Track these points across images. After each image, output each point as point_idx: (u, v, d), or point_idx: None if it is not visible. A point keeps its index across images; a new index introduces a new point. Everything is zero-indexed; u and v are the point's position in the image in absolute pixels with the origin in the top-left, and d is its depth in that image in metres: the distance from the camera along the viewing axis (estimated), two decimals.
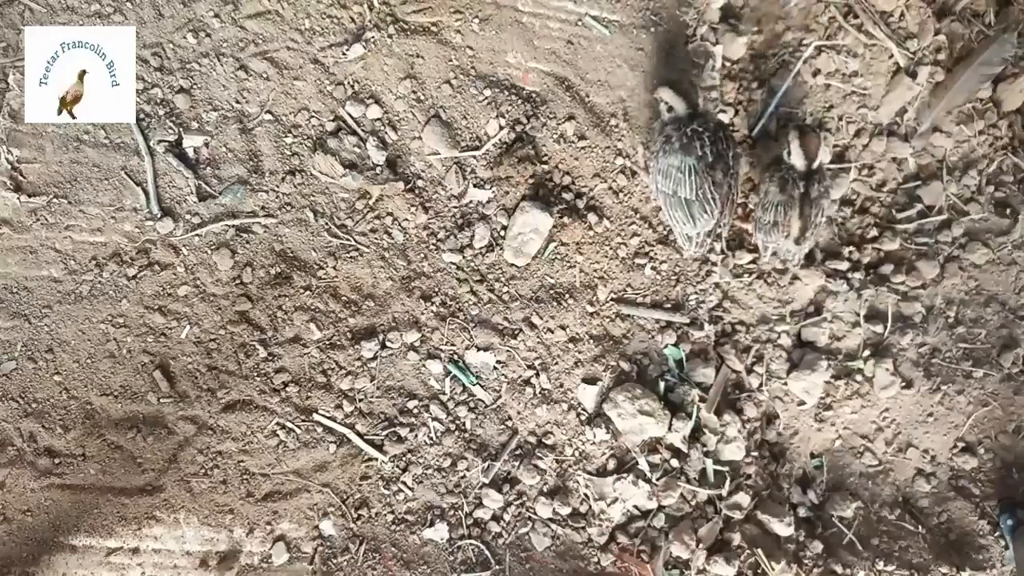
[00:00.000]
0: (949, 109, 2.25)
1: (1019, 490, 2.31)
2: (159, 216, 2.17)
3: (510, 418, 2.28)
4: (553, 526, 2.23)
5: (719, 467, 2.24)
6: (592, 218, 2.28)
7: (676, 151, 1.99)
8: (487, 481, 2.23)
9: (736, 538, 2.21)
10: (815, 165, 2.02)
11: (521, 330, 2.28)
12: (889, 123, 2.29)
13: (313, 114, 2.22)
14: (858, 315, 2.30)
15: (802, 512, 2.27)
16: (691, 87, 2.14)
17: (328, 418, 2.22)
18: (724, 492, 2.23)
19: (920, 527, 2.30)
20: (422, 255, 2.27)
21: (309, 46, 2.21)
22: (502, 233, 2.27)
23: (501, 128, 2.26)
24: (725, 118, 2.26)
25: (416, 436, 2.24)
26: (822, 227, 2.05)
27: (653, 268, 2.31)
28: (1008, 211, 2.31)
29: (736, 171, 2.05)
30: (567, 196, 2.28)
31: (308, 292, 2.23)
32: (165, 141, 2.17)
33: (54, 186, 2.14)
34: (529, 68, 2.27)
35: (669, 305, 2.32)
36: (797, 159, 2.01)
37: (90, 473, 2.15)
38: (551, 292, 2.29)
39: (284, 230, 2.23)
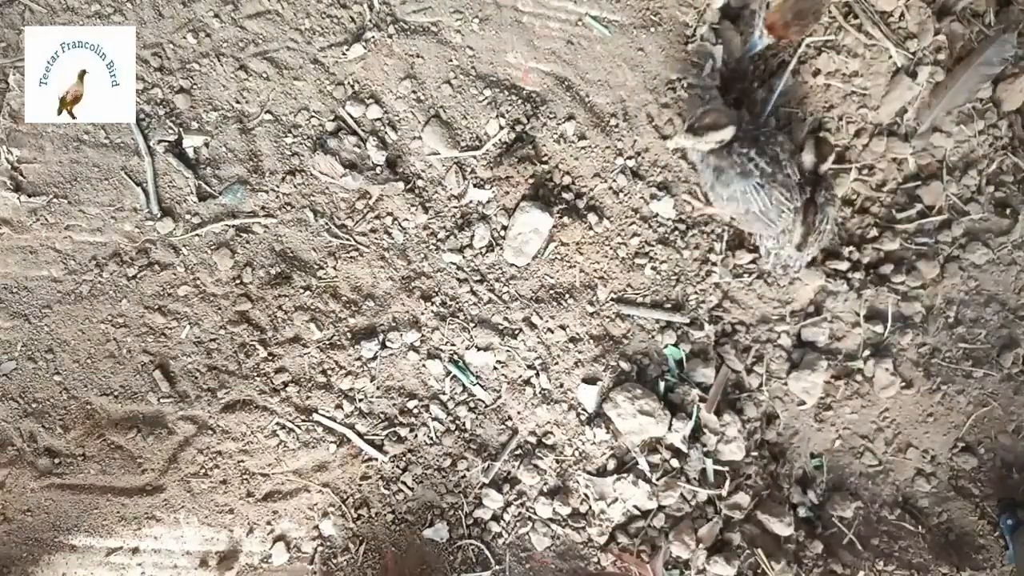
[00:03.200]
0: (949, 109, 2.25)
1: (1019, 490, 2.31)
2: (159, 216, 2.17)
3: (510, 418, 2.27)
4: (553, 526, 2.23)
5: (719, 467, 2.24)
6: (592, 218, 2.28)
7: (734, 178, 1.99)
8: (487, 481, 2.23)
9: (736, 538, 2.21)
10: (823, 169, 2.02)
11: (521, 330, 2.28)
12: (889, 123, 2.29)
13: (313, 114, 2.22)
14: (858, 315, 2.30)
15: (802, 512, 2.27)
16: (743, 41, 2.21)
17: (328, 418, 2.21)
18: (724, 492, 2.23)
19: (920, 527, 2.30)
20: (422, 255, 2.27)
21: (309, 46, 2.21)
22: (502, 233, 2.27)
23: (501, 128, 2.26)
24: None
25: (416, 436, 2.24)
26: (826, 234, 2.06)
27: (653, 268, 2.31)
28: (1008, 211, 2.31)
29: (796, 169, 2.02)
30: (567, 196, 2.28)
31: (308, 292, 2.23)
32: (165, 141, 2.17)
33: (54, 186, 2.14)
34: (529, 68, 2.27)
35: (669, 305, 2.32)
36: (807, 158, 2.01)
37: (90, 473, 2.15)
38: (551, 292, 2.29)
39: (284, 230, 2.23)
